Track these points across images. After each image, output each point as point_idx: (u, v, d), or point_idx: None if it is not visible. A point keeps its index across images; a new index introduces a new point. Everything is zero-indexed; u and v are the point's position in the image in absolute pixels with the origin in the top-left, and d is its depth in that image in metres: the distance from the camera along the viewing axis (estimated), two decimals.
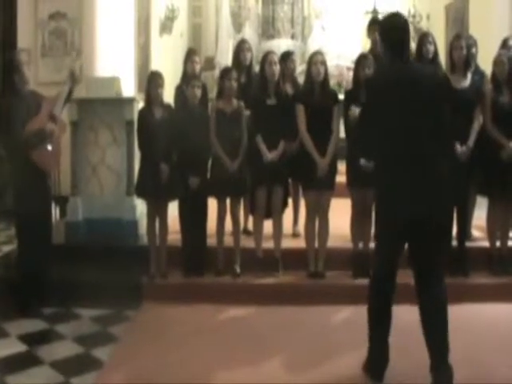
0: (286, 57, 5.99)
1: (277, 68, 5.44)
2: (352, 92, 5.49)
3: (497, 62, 5.51)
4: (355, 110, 4.74)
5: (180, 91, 5.97)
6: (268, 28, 12.01)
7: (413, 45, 6.50)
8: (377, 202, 3.86)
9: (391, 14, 3.94)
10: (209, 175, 5.50)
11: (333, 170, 5.35)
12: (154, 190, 5.30)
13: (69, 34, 7.63)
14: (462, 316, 3.73)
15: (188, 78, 5.92)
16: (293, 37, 12.03)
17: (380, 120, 3.70)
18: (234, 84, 5.42)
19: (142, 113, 5.50)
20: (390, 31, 3.77)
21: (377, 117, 3.72)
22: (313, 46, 10.16)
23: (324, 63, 5.36)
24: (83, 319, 4.90)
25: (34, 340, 4.49)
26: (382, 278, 3.80)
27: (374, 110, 3.75)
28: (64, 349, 4.35)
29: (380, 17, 9.72)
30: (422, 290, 3.72)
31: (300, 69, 7.89)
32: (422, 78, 3.74)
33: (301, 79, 6.30)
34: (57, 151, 5.11)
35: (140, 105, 5.77)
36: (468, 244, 5.61)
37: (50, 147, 4.93)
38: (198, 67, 6.10)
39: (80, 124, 6.02)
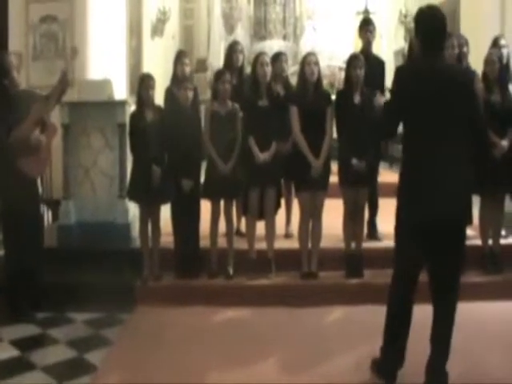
0: (277, 58, 5.98)
1: (268, 69, 5.45)
2: (344, 92, 5.51)
3: (488, 61, 5.52)
4: (380, 99, 4.69)
5: (170, 93, 5.97)
6: (260, 29, 12.03)
7: (405, 44, 6.55)
8: (399, 200, 3.71)
9: (427, 7, 3.72)
10: (203, 177, 5.50)
11: (327, 171, 5.36)
12: (146, 193, 5.29)
13: (60, 37, 7.62)
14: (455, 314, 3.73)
15: (178, 80, 5.92)
16: (285, 38, 12.05)
17: (406, 111, 3.62)
18: (228, 86, 5.41)
19: (133, 115, 5.49)
20: (423, 24, 3.64)
21: (403, 107, 3.62)
22: (305, 47, 10.21)
23: (317, 64, 5.37)
24: (76, 323, 4.89)
25: (26, 345, 4.46)
26: (403, 278, 3.71)
27: (401, 99, 3.64)
28: (57, 353, 4.34)
29: (372, 16, 9.74)
30: (439, 295, 3.68)
31: (292, 69, 7.90)
32: (455, 74, 3.67)
33: (293, 80, 6.30)
34: (44, 157, 5.09)
35: (132, 108, 5.76)
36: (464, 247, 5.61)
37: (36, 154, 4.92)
38: (188, 69, 6.09)
39: (72, 127, 6.00)
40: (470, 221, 4.42)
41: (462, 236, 3.74)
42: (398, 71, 3.80)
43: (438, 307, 3.69)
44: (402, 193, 3.69)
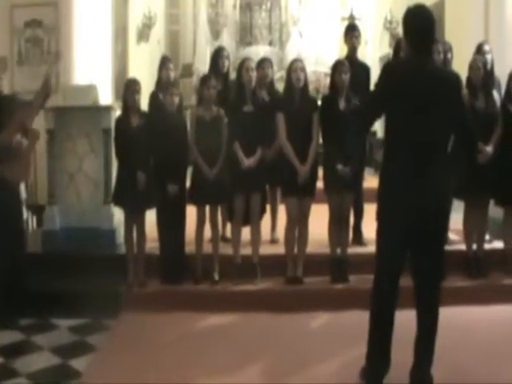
0: (262, 63, 5.99)
1: (253, 74, 5.46)
2: (329, 98, 5.53)
3: (472, 67, 5.57)
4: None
5: (154, 98, 5.97)
6: (246, 35, 12.05)
7: (390, 50, 6.58)
8: (379, 201, 3.70)
9: (415, 6, 3.68)
10: (189, 182, 5.49)
11: (313, 177, 5.37)
12: (131, 199, 5.27)
13: (45, 42, 7.60)
14: (439, 318, 3.74)
15: (162, 85, 5.93)
16: (270, 43, 12.08)
17: (389, 109, 3.62)
18: (214, 91, 5.42)
19: (118, 120, 5.47)
20: (411, 23, 3.62)
21: (385, 103, 3.62)
22: (290, 53, 10.24)
23: (304, 70, 5.39)
24: (61, 329, 4.85)
25: (10, 351, 4.42)
26: (384, 282, 3.70)
27: (385, 95, 3.62)
28: (41, 360, 4.30)
29: (357, 22, 9.79)
30: (421, 296, 3.68)
31: (278, 75, 7.92)
32: (437, 75, 3.65)
33: (278, 86, 6.32)
34: (27, 163, 5.07)
35: (117, 113, 5.75)
36: (445, 247, 5.63)
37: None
38: (172, 74, 6.10)
39: (57, 132, 5.99)
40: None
41: (442, 236, 3.76)
42: (386, 67, 3.80)
43: (421, 312, 3.69)
44: (383, 193, 3.70)
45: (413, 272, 3.71)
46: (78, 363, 4.22)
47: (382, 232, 3.73)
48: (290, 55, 8.42)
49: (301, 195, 5.30)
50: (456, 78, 3.79)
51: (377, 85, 3.79)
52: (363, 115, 3.90)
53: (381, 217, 3.70)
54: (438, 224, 3.65)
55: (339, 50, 10.33)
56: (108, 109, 6.08)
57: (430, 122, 3.53)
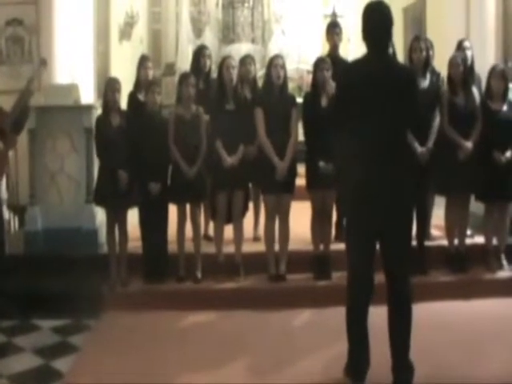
0: (244, 61, 5.98)
1: (234, 72, 5.46)
2: (311, 95, 5.54)
3: (452, 64, 5.60)
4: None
5: (133, 98, 5.96)
6: (228, 32, 12.02)
7: None
8: (342, 203, 3.80)
9: (373, 3, 3.70)
10: (169, 181, 5.48)
11: (292, 173, 5.37)
12: (112, 198, 5.26)
13: (26, 41, 7.53)
14: (421, 314, 3.76)
15: (141, 84, 5.91)
16: (253, 41, 12.07)
17: (348, 111, 3.64)
18: (193, 90, 5.40)
19: (99, 120, 5.45)
20: (367, 20, 3.65)
21: (346, 107, 3.65)
22: (273, 50, 10.21)
23: (284, 67, 5.39)
24: (43, 330, 4.82)
25: None
26: (358, 278, 3.72)
27: (344, 99, 3.66)
28: (23, 361, 4.26)
29: (339, 20, 9.81)
30: (390, 288, 3.71)
31: (260, 73, 7.91)
32: (393, 72, 3.68)
33: (260, 83, 6.31)
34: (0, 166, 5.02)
35: (99, 112, 5.73)
36: (427, 243, 5.69)
37: None
38: (151, 73, 6.09)
39: (38, 132, 5.94)
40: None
41: (406, 232, 3.78)
42: (343, 68, 3.85)
43: (393, 308, 3.71)
44: (345, 192, 3.79)
45: (383, 268, 3.74)
46: (60, 364, 4.20)
47: (348, 231, 3.81)
48: (273, 53, 8.37)
49: (280, 192, 5.31)
50: (409, 73, 3.87)
51: (337, 86, 3.85)
52: (331, 119, 3.95)
53: (346, 217, 3.79)
54: (401, 221, 3.68)
55: (322, 48, 10.32)
56: (89, 108, 6.05)
57: (385, 120, 3.57)
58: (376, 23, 3.63)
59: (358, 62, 3.86)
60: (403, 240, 3.76)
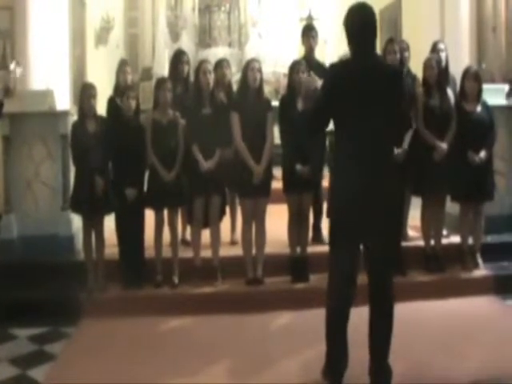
0: (219, 64, 5.98)
1: (211, 77, 5.46)
2: (287, 98, 5.55)
3: (427, 66, 5.65)
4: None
5: (113, 103, 5.93)
6: (205, 37, 12.01)
7: (347, 50, 6.64)
8: (329, 203, 3.73)
9: (356, 5, 3.69)
10: (146, 186, 5.46)
11: (268, 177, 5.38)
12: (89, 204, 5.23)
13: (0, 47, 7.47)
14: (398, 314, 3.75)
15: (120, 89, 5.88)
16: (230, 45, 12.06)
17: (335, 109, 3.63)
18: (169, 94, 5.39)
19: (74, 126, 5.41)
20: (350, 22, 3.63)
21: (332, 105, 3.63)
22: (250, 54, 10.22)
23: (260, 70, 5.39)
24: (19, 339, 4.76)
25: None
26: (342, 280, 3.68)
27: (331, 97, 3.63)
28: None
29: (315, 23, 9.86)
30: (374, 290, 3.69)
31: (237, 77, 7.91)
32: (380, 73, 3.66)
33: (236, 87, 6.32)
34: None
35: (75, 118, 5.69)
36: (404, 244, 5.71)
37: None
38: (130, 78, 6.07)
39: (12, 138, 5.90)
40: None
41: (393, 234, 3.77)
42: (331, 68, 3.86)
43: (375, 307, 3.70)
44: (333, 194, 3.73)
45: (366, 269, 3.73)
46: (36, 373, 4.15)
47: (333, 233, 3.75)
48: (250, 56, 8.37)
49: (256, 195, 5.31)
50: (396, 72, 3.85)
51: (323, 87, 3.84)
52: (311, 119, 3.92)
53: (331, 217, 3.73)
54: (388, 222, 3.66)
55: (298, 51, 10.35)
56: (65, 114, 6.01)
57: (373, 121, 3.55)
58: (360, 25, 3.62)
59: (344, 64, 3.86)
60: (392, 241, 3.76)
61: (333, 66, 3.98)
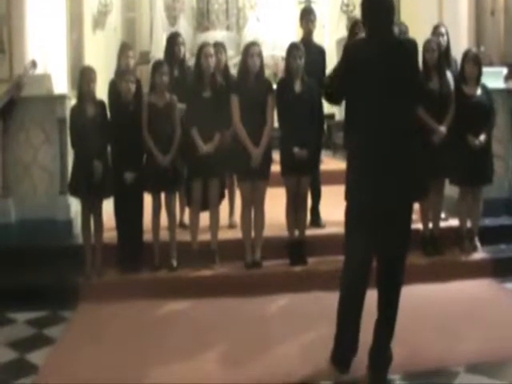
0: (217, 48, 5.95)
1: (212, 60, 5.43)
2: (284, 81, 5.53)
3: (427, 48, 5.62)
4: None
5: (114, 86, 5.91)
6: (203, 20, 11.94)
7: (347, 33, 6.60)
8: (346, 186, 3.68)
9: None
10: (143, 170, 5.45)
11: (267, 160, 5.36)
12: (87, 188, 5.22)
13: None
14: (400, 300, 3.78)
15: (122, 72, 5.86)
16: (228, 28, 12.01)
17: (350, 91, 3.62)
18: (166, 78, 5.37)
19: (73, 110, 5.40)
20: (369, 4, 3.64)
21: (347, 86, 3.62)
22: (248, 37, 10.18)
23: (260, 55, 5.35)
24: (18, 323, 4.77)
25: None
26: (354, 265, 3.67)
27: (347, 73, 3.62)
28: None
29: (313, 6, 9.77)
30: (383, 273, 3.68)
31: (235, 60, 7.88)
32: (397, 53, 3.63)
33: (234, 70, 6.29)
34: None
35: (72, 102, 5.67)
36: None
37: None
38: (132, 62, 6.06)
39: (10, 123, 5.85)
40: (424, 194, 4.38)
41: (408, 218, 3.74)
42: (347, 48, 3.80)
43: (383, 292, 3.70)
44: (350, 174, 3.68)
45: (377, 254, 3.70)
46: (35, 357, 4.16)
47: (349, 217, 3.72)
48: (248, 40, 8.33)
49: (255, 179, 5.30)
50: (412, 46, 3.74)
51: (340, 62, 3.78)
52: (329, 89, 3.89)
53: (348, 201, 3.69)
54: (401, 209, 3.64)
55: (296, 34, 10.30)
56: (62, 98, 5.99)
57: (391, 103, 3.53)
58: (376, 5, 3.60)
59: (362, 45, 3.78)
60: (405, 224, 3.72)
61: (349, 44, 3.92)
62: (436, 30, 6.17)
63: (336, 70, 3.85)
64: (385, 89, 3.53)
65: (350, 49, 3.78)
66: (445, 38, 6.09)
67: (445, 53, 5.89)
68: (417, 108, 4.05)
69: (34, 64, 5.59)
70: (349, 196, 3.67)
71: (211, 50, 5.47)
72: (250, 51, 5.33)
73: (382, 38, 3.61)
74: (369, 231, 3.60)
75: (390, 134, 3.54)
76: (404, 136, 3.58)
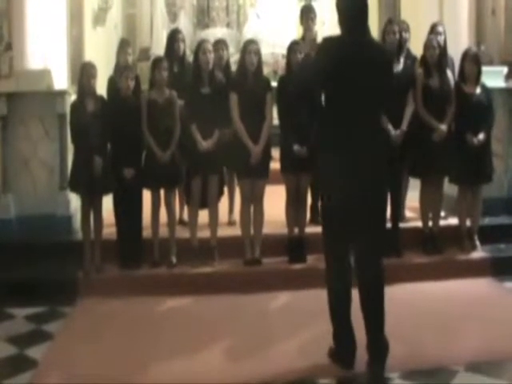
0: (217, 45, 5.96)
1: (211, 56, 5.43)
2: (285, 78, 5.53)
3: (427, 46, 5.63)
4: None
5: (113, 82, 5.91)
6: (203, 17, 11.88)
7: None
8: (318, 181, 3.84)
9: None
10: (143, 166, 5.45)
11: (267, 157, 5.37)
12: (87, 184, 5.22)
13: None
14: (396, 295, 3.80)
15: (121, 69, 5.86)
16: (228, 25, 11.95)
17: (325, 82, 3.68)
18: (166, 74, 5.37)
19: (73, 105, 5.40)
20: (342, 4, 3.71)
21: (323, 76, 3.68)
22: (248, 35, 10.13)
23: (258, 53, 5.36)
24: (17, 318, 4.78)
25: None
26: (337, 260, 3.74)
27: (324, 67, 3.67)
28: None
29: (314, 4, 9.76)
30: (362, 268, 3.72)
31: (235, 57, 7.85)
32: (371, 55, 3.70)
33: (234, 67, 6.28)
34: None
35: (72, 97, 5.67)
36: (401, 225, 5.73)
37: None
38: (130, 58, 6.06)
39: (10, 118, 5.87)
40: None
41: (380, 212, 3.81)
42: (325, 40, 3.85)
43: (364, 289, 3.73)
44: (322, 171, 3.79)
45: (354, 248, 3.77)
46: (34, 352, 4.16)
47: (325, 216, 3.82)
48: (248, 37, 8.34)
49: (254, 176, 5.30)
50: (384, 54, 3.91)
51: (316, 56, 3.91)
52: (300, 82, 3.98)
53: (323, 197, 3.81)
54: (375, 201, 3.72)
55: (297, 32, 10.28)
56: (62, 93, 5.98)
57: (360, 101, 3.60)
58: (349, 6, 3.68)
59: (336, 45, 3.81)
60: (379, 222, 3.80)
61: (326, 38, 3.95)
62: (434, 29, 6.17)
63: (309, 67, 4.03)
64: (358, 88, 3.59)
65: (325, 47, 3.82)
66: (442, 36, 6.08)
67: (443, 51, 5.89)
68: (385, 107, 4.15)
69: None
70: (323, 188, 3.81)
71: (209, 46, 5.48)
72: (248, 48, 5.34)
73: (357, 37, 3.69)
74: (345, 219, 3.67)
75: (362, 129, 3.63)
76: (374, 132, 3.71)
